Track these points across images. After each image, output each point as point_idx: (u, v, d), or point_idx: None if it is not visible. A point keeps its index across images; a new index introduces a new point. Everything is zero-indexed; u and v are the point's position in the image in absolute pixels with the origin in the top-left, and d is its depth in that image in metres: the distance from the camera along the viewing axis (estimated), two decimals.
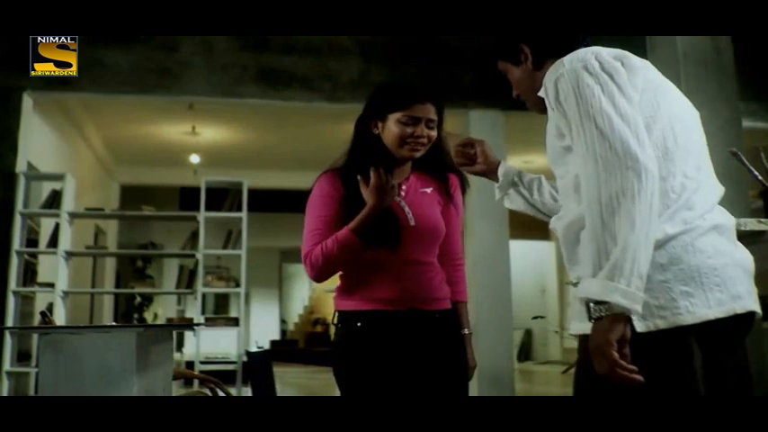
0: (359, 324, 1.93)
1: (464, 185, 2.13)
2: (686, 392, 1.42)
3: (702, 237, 1.46)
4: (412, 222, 1.97)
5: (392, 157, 1.99)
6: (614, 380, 1.33)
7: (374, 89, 2.07)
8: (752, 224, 1.83)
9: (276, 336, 17.37)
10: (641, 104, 1.50)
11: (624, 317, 1.34)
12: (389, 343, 1.91)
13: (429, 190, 2.06)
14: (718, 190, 1.58)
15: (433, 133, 1.99)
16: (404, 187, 2.03)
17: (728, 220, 1.55)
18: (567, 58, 1.55)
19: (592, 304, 1.37)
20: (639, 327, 1.39)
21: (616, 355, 1.33)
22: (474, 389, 2.09)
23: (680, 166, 1.50)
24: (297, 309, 19.64)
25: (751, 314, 1.51)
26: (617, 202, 1.36)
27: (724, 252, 1.48)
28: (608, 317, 1.34)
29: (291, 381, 10.26)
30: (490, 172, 1.97)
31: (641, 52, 4.35)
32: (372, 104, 2.02)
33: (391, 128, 1.96)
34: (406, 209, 1.98)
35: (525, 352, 12.66)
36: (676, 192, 1.48)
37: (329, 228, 1.95)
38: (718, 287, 1.44)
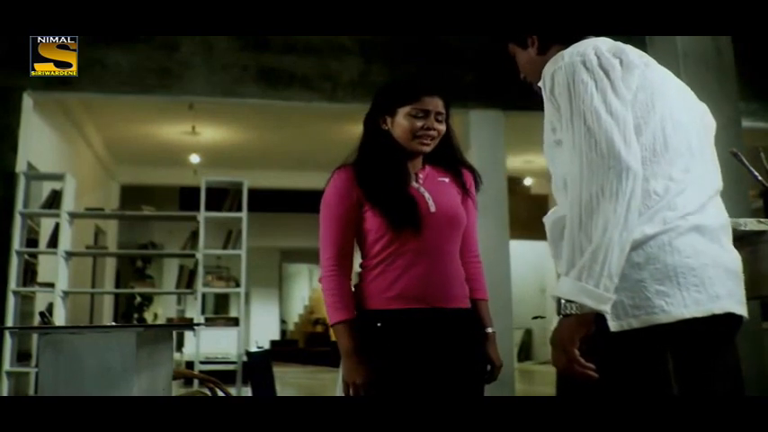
0: (379, 324, 1.90)
1: (477, 181, 2.12)
2: (656, 392, 1.44)
3: (681, 236, 1.46)
4: (433, 209, 1.95)
5: (403, 151, 1.98)
6: (570, 375, 1.39)
7: (381, 86, 2.07)
8: (752, 224, 1.83)
9: (276, 336, 17.37)
10: (634, 104, 1.50)
11: (591, 316, 1.38)
12: (409, 344, 1.89)
13: (446, 180, 2.05)
14: (710, 191, 1.57)
15: (442, 127, 1.99)
16: (421, 176, 2.02)
17: (716, 221, 1.54)
18: (567, 51, 1.55)
19: (563, 301, 1.40)
20: (613, 326, 1.41)
21: (576, 352, 1.38)
22: None
23: (666, 169, 1.50)
24: (297, 309, 19.65)
25: (734, 316, 1.51)
26: (596, 201, 1.38)
27: (704, 252, 1.48)
28: (576, 315, 1.37)
29: (291, 381, 10.25)
30: None
31: (642, 50, 4.35)
32: (381, 100, 2.02)
33: (401, 122, 1.95)
34: (426, 195, 1.97)
35: (525, 351, 12.66)
36: (659, 194, 1.48)
37: (345, 235, 1.95)
38: (696, 287, 1.44)
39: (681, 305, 1.43)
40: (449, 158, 2.07)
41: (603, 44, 1.58)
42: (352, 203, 1.94)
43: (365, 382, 1.84)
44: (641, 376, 1.44)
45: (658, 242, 1.45)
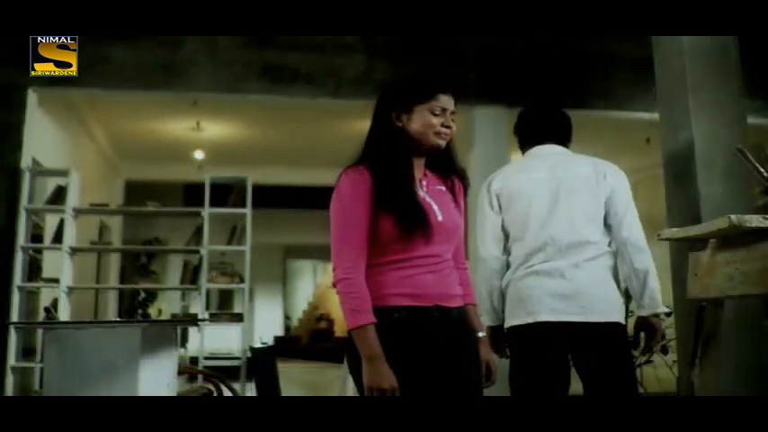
0: (384, 321, 1.88)
1: (466, 189, 2.14)
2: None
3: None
4: (439, 218, 1.97)
5: (415, 151, 1.99)
6: None
7: (391, 84, 2.07)
8: (757, 221, 1.83)
9: (280, 332, 17.39)
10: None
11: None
12: (414, 341, 1.89)
13: (443, 188, 2.06)
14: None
15: (454, 126, 2.01)
16: (424, 183, 2.03)
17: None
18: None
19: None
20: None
21: None
22: None
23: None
24: (300, 305, 19.66)
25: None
26: None
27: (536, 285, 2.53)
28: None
29: (295, 377, 10.27)
30: None
31: (647, 48, 4.34)
32: (395, 97, 2.01)
33: (418, 119, 1.96)
34: (434, 206, 1.98)
35: None
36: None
37: (364, 237, 1.91)
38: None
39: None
40: (446, 163, 2.08)
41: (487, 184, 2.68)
42: (369, 204, 1.92)
43: (393, 386, 1.80)
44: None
45: None
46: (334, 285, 1.93)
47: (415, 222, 1.91)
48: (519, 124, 2.81)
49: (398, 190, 1.93)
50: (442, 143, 1.99)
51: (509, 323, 2.55)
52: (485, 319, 2.61)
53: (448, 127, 1.98)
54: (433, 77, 2.03)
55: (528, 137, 2.75)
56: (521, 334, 2.50)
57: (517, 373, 2.52)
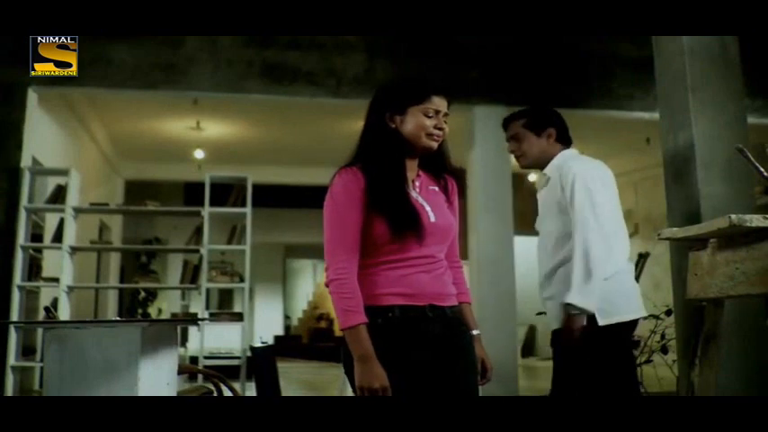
0: (379, 321, 1.89)
1: (461, 188, 2.15)
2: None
3: None
4: (432, 219, 1.97)
5: (409, 151, 2.00)
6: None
7: (386, 85, 2.07)
8: (758, 220, 1.83)
9: (280, 331, 17.40)
10: None
11: None
12: (409, 340, 1.89)
13: (436, 189, 2.07)
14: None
15: (447, 128, 2.01)
16: (417, 183, 2.03)
17: None
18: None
19: None
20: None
21: None
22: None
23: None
24: (301, 304, 19.68)
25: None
26: None
27: None
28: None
29: (295, 376, 10.27)
30: None
31: (647, 48, 4.33)
32: (389, 98, 2.01)
33: (412, 121, 1.97)
34: (427, 207, 1.99)
35: (529, 348, 12.66)
36: None
37: (356, 237, 1.91)
38: None
39: None
40: (439, 163, 2.08)
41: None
42: (361, 205, 1.92)
43: (384, 386, 1.81)
44: None
45: None
46: (327, 285, 1.93)
47: (407, 224, 1.91)
48: (557, 121, 2.84)
49: (391, 191, 1.93)
50: (434, 145, 1.99)
51: (625, 317, 2.61)
52: (601, 318, 2.60)
53: (441, 129, 1.98)
54: (427, 79, 2.03)
55: (563, 138, 2.84)
56: (626, 329, 2.62)
57: (621, 369, 2.61)
